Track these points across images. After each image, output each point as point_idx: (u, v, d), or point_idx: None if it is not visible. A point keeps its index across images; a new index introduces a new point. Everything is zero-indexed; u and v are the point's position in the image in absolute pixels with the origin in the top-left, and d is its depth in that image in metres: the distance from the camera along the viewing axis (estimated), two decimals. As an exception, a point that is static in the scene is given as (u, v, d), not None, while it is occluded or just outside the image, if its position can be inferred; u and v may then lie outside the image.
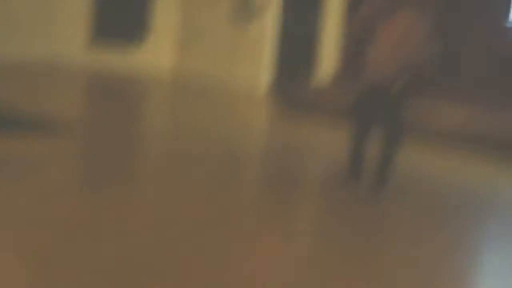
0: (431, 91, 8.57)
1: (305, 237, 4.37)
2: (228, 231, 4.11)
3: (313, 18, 10.61)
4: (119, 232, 3.83)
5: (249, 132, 8.06)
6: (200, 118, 8.45)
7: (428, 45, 5.41)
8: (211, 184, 5.26)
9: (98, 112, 8.11)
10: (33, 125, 6.37)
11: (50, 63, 10.76)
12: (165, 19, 11.92)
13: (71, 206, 4.17)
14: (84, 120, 7.30)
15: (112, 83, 10.61)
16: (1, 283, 2.95)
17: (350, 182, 5.64)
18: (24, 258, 3.27)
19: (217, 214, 4.43)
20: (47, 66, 10.63)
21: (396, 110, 5.46)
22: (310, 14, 10.66)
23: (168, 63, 11.92)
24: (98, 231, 3.78)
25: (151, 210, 4.37)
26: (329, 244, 4.18)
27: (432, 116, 7.97)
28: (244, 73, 11.25)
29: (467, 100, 8.64)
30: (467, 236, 4.87)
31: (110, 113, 7.95)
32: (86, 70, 11.15)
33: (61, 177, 4.88)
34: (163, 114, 9.10)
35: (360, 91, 5.54)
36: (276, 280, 3.46)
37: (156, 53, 11.92)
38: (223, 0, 11.41)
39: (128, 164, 5.61)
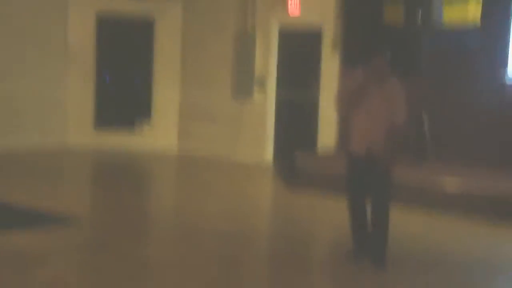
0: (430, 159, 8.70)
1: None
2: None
3: (311, 87, 10.72)
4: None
5: (255, 206, 8.14)
6: (205, 194, 8.70)
7: (410, 111, 5.53)
8: (219, 263, 5.55)
9: (105, 196, 8.36)
10: (41, 218, 6.61)
11: (58, 151, 11.32)
12: (166, 101, 12.17)
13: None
14: (92, 206, 7.65)
15: (117, 165, 10.89)
16: None
17: (356, 256, 5.68)
18: None
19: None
20: (55, 155, 11.09)
21: (382, 179, 5.54)
22: (308, 84, 10.77)
23: (172, 144, 12.13)
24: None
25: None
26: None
27: (433, 181, 7.95)
28: (248, 147, 11.37)
29: (468, 163, 8.72)
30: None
31: (117, 196, 8.24)
32: (93, 154, 11.52)
33: (67, 271, 5.09)
34: (169, 192, 9.30)
35: (347, 163, 5.67)
36: None
37: (159, 135, 12.15)
38: (223, 76, 11.57)
39: (137, 255, 5.73)
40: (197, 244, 6.15)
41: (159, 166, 11.17)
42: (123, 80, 12.20)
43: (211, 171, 10.59)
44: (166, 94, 12.17)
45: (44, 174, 9.50)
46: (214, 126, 11.78)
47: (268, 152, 11.25)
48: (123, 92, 12.15)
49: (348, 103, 5.66)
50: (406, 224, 7.05)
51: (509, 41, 8.74)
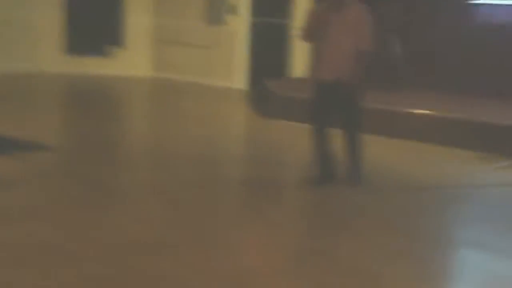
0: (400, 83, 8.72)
1: (281, 229, 4.71)
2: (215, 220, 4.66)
3: (284, 15, 10.63)
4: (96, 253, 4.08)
5: (226, 130, 8.20)
6: (177, 119, 8.70)
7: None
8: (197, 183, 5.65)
9: (76, 121, 8.41)
10: (10, 144, 6.57)
11: (29, 74, 11.18)
12: (138, 26, 12.02)
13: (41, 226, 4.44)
14: (63, 132, 7.64)
15: (90, 90, 10.86)
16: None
17: (324, 180, 5.80)
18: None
19: (203, 208, 4.92)
20: (26, 79, 10.99)
21: (351, 102, 5.68)
22: (280, 12, 10.65)
23: (145, 69, 12.08)
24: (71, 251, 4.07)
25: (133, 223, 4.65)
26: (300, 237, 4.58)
27: (405, 105, 8.00)
28: (221, 71, 11.34)
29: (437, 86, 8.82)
30: (440, 229, 5.07)
31: (88, 122, 8.23)
32: (64, 79, 11.43)
33: (35, 197, 5.12)
34: (141, 117, 9.30)
35: (314, 90, 5.74)
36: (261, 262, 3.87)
37: (132, 60, 12.04)
38: (196, 2, 11.41)
39: (113, 176, 5.83)
40: (167, 168, 6.23)
41: (131, 90, 11.17)
42: (94, 4, 11.94)
43: (184, 96, 10.62)
44: (138, 20, 12.01)
45: (14, 98, 9.47)
46: (187, 51, 11.72)
47: (241, 77, 11.26)
48: (95, 18, 11.91)
49: (311, 35, 5.70)
50: (378, 149, 7.19)
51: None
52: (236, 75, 11.27)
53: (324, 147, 5.78)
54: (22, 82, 10.90)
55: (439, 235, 4.90)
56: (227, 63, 11.32)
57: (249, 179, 6.10)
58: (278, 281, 3.80)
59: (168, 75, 11.92)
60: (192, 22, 11.63)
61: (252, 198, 5.51)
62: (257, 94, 9.93)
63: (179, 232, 4.50)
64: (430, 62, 9.17)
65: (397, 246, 4.45)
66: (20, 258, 3.90)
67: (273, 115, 8.69)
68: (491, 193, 6.01)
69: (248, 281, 3.77)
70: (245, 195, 5.62)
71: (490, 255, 4.43)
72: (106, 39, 12.03)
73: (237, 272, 3.87)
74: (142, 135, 7.97)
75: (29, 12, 11.56)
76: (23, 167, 5.93)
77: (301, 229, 4.89)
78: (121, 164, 6.38)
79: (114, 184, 5.67)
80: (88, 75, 11.64)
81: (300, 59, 10.12)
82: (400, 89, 8.75)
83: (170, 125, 8.32)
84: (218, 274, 3.82)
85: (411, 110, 7.82)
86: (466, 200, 5.76)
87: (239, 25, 11.14)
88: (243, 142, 7.80)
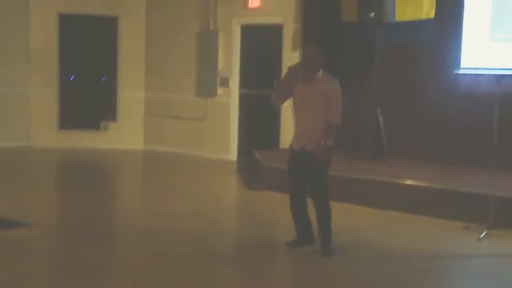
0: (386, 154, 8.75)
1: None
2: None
3: (272, 87, 10.61)
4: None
5: (215, 205, 8.08)
6: (167, 190, 8.77)
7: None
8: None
9: (66, 196, 8.42)
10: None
11: (22, 149, 11.54)
12: (131, 99, 12.23)
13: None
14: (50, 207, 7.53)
15: (81, 162, 11.03)
16: None
17: (296, 245, 5.89)
18: None
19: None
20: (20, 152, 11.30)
21: (316, 173, 5.70)
22: (269, 83, 10.58)
23: (137, 142, 12.27)
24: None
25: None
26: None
27: (389, 175, 7.99)
28: (212, 143, 11.46)
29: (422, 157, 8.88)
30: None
31: (78, 193, 8.31)
32: (56, 153, 11.61)
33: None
34: (131, 189, 9.29)
35: (288, 157, 5.86)
36: None
37: (124, 133, 12.23)
38: (187, 74, 11.65)
39: (88, 253, 5.76)
40: (145, 244, 6.18)
41: (122, 164, 11.20)
42: (87, 79, 12.16)
43: (174, 169, 10.63)
44: (130, 94, 12.19)
45: (2, 174, 9.51)
46: (178, 123, 11.81)
47: (232, 149, 11.29)
48: (88, 92, 12.14)
49: (277, 100, 5.85)
50: (361, 219, 7.21)
51: (461, 32, 8.79)
52: (227, 147, 11.30)
53: (299, 214, 5.85)
54: (14, 158, 11.00)
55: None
56: (218, 135, 11.39)
57: (224, 252, 6.01)
58: None
59: (160, 148, 11.99)
60: (183, 95, 11.76)
61: (227, 272, 5.41)
62: (245, 166, 9.94)
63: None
64: (414, 132, 9.19)
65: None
66: None
67: (262, 187, 8.65)
68: (473, 265, 5.89)
69: None
70: (223, 271, 5.52)
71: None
72: (98, 113, 12.15)
73: None
74: (128, 210, 7.87)
75: (22, 88, 11.77)
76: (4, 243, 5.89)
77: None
78: (100, 241, 6.28)
79: (88, 261, 5.57)
80: (81, 149, 11.74)
81: (289, 130, 10.10)
82: (384, 159, 8.73)
83: (157, 200, 8.26)
84: None
85: (396, 180, 7.76)
86: (447, 271, 5.63)
87: (230, 97, 11.25)
88: (227, 216, 7.70)
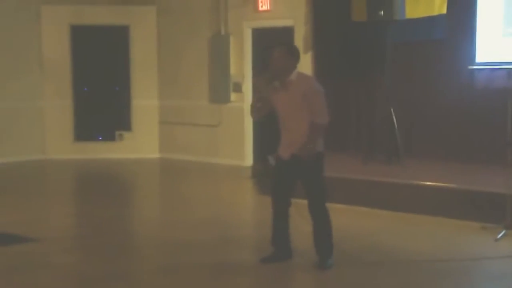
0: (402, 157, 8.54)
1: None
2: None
3: None
4: None
5: (228, 211, 7.99)
6: (181, 199, 8.67)
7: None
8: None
9: (77, 206, 8.47)
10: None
11: (38, 162, 11.54)
12: (145, 107, 12.14)
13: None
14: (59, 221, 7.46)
15: (95, 173, 10.99)
16: None
17: (279, 258, 5.62)
18: None
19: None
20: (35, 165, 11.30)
21: (310, 178, 5.41)
22: None
23: (153, 150, 12.18)
24: None
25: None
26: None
27: (403, 176, 7.81)
28: (228, 149, 11.33)
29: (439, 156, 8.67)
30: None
31: (91, 204, 8.32)
32: (72, 163, 11.59)
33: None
34: (146, 199, 9.18)
35: (275, 166, 5.65)
36: None
37: (140, 142, 12.16)
38: (199, 80, 11.55)
39: (92, 266, 5.70)
40: (150, 255, 6.13)
41: (137, 173, 11.13)
42: (101, 89, 12.15)
43: (189, 176, 10.54)
44: (144, 102, 12.14)
45: (14, 188, 9.52)
46: (193, 131, 11.74)
47: (247, 155, 11.18)
48: (102, 102, 12.11)
49: (258, 116, 5.61)
50: (378, 221, 7.05)
51: (475, 28, 8.57)
52: (242, 153, 11.19)
53: (280, 224, 5.58)
54: (29, 171, 11.01)
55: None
56: (233, 141, 11.28)
57: (238, 262, 5.88)
58: None
59: (175, 156, 11.92)
60: (196, 102, 11.69)
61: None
62: (260, 171, 9.80)
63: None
64: (430, 131, 9.00)
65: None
66: None
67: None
68: (491, 266, 5.71)
69: None
70: (236, 282, 5.39)
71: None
72: (113, 123, 12.14)
73: None
74: (143, 220, 7.79)
75: (36, 101, 11.80)
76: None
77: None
78: (114, 253, 6.18)
79: (98, 274, 5.49)
80: (96, 160, 11.71)
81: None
82: (400, 160, 8.54)
83: (172, 208, 8.19)
84: None
85: (411, 182, 7.59)
86: (464, 274, 5.45)
87: (243, 102, 11.14)
88: (241, 223, 7.55)
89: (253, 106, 5.56)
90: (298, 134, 5.34)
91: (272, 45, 5.54)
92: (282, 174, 5.53)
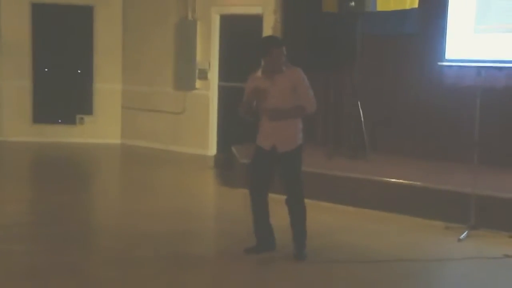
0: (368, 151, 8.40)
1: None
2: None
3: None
4: None
5: (190, 200, 7.80)
6: (145, 187, 8.43)
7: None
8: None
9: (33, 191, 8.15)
10: None
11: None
12: (107, 92, 11.81)
13: None
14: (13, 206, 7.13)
15: (55, 157, 10.65)
16: None
17: (257, 250, 5.55)
18: None
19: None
20: None
21: (290, 170, 5.43)
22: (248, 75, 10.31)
23: (114, 136, 11.88)
24: None
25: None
26: None
27: (368, 172, 7.64)
28: (191, 138, 11.09)
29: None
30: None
31: (47, 190, 8.01)
32: (29, 148, 11.19)
33: None
34: (105, 186, 8.89)
35: (253, 156, 5.55)
36: None
37: (101, 127, 11.84)
38: (165, 66, 11.25)
39: (41, 255, 5.46)
40: (115, 246, 5.90)
41: (98, 159, 10.86)
42: (62, 71, 11.76)
43: (150, 165, 10.24)
44: (106, 86, 11.80)
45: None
46: (156, 117, 11.46)
47: (211, 144, 10.95)
48: (63, 84, 11.73)
49: (248, 111, 5.52)
50: (341, 217, 6.93)
51: (446, 24, 8.43)
52: (206, 142, 10.96)
53: (261, 216, 5.52)
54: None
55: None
56: (197, 130, 11.04)
57: (192, 256, 5.65)
58: None
59: (137, 142, 11.63)
60: (161, 88, 11.40)
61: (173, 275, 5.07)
62: (223, 162, 9.59)
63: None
64: (397, 126, 8.87)
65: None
66: None
67: (237, 184, 8.29)
68: (452, 267, 5.59)
69: None
70: (188, 277, 5.17)
71: None
72: (74, 106, 11.78)
73: None
74: (99, 208, 7.56)
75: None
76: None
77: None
78: (63, 242, 5.90)
79: (40, 264, 5.23)
80: (56, 143, 11.36)
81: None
82: (365, 155, 8.40)
83: (130, 197, 7.96)
84: None
85: (375, 178, 7.44)
86: (424, 275, 5.32)
87: (209, 90, 10.89)
88: (198, 215, 7.30)
89: (246, 105, 5.50)
90: (281, 126, 5.36)
91: (267, 43, 5.53)
92: (261, 164, 5.47)
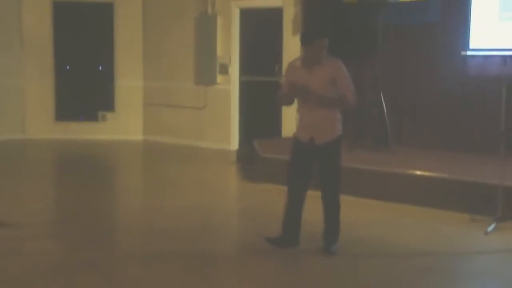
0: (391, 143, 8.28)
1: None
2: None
3: (274, 72, 10.32)
4: None
5: (213, 196, 7.75)
6: (168, 183, 8.39)
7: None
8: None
9: (55, 189, 8.16)
10: None
11: (18, 142, 11.26)
12: (129, 88, 11.85)
13: None
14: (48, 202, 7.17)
15: (77, 154, 10.69)
16: None
17: (286, 244, 5.46)
18: None
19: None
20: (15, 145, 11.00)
21: (328, 164, 5.33)
22: (270, 69, 10.37)
23: (136, 132, 11.92)
24: None
25: None
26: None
27: (392, 165, 7.52)
28: (212, 133, 11.07)
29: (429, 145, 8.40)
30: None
31: (69, 187, 7.98)
32: (53, 145, 11.28)
33: None
34: (128, 182, 8.91)
35: (292, 149, 5.42)
36: None
37: (123, 123, 11.87)
38: (185, 61, 11.25)
39: (59, 254, 5.41)
40: (118, 243, 5.88)
41: (120, 156, 10.86)
42: (84, 68, 11.80)
43: (172, 160, 10.25)
44: (128, 83, 11.82)
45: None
46: (177, 113, 11.44)
47: (233, 138, 10.91)
48: (84, 82, 11.78)
49: (288, 100, 5.46)
50: (364, 211, 6.83)
51: (470, 12, 8.29)
52: (228, 136, 10.92)
53: (294, 212, 5.42)
54: (7, 151, 10.70)
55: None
56: (219, 124, 11.00)
57: (217, 252, 5.61)
58: None
59: (159, 138, 11.63)
60: (182, 83, 11.37)
61: (196, 274, 5.03)
62: (245, 156, 9.54)
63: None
64: (420, 118, 8.74)
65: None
66: None
67: (259, 179, 8.25)
68: (478, 261, 5.48)
69: None
70: (215, 272, 5.13)
71: None
72: (95, 103, 11.81)
73: None
74: (123, 205, 7.53)
75: (16, 79, 11.46)
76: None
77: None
78: (88, 239, 5.88)
79: (66, 262, 5.20)
80: (78, 141, 11.40)
81: (291, 118, 9.68)
82: (388, 147, 8.28)
83: (153, 194, 7.94)
84: None
85: (399, 171, 7.32)
86: (449, 269, 5.22)
87: (230, 85, 10.84)
88: (221, 211, 7.28)
89: (286, 98, 5.46)
90: (319, 119, 5.27)
91: (310, 33, 5.38)
92: (299, 157, 5.38)
